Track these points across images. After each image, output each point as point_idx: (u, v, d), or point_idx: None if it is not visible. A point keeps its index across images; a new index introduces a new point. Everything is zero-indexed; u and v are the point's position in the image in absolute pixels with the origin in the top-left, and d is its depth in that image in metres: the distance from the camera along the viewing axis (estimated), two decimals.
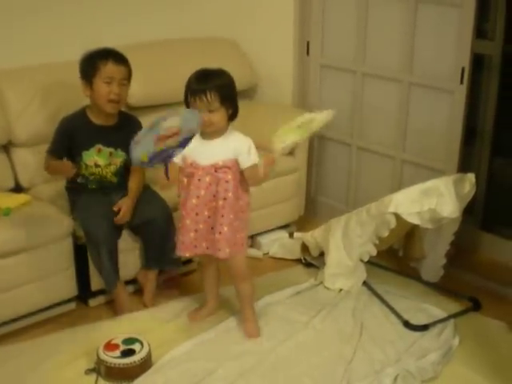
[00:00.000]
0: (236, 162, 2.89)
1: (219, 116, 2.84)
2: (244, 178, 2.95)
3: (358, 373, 2.88)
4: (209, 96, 2.79)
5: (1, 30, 3.68)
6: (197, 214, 2.94)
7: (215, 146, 2.90)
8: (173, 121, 2.66)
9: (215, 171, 2.88)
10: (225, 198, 2.89)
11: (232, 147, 2.89)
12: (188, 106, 2.88)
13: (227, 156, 2.88)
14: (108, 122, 3.34)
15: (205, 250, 3.00)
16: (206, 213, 2.93)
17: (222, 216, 2.91)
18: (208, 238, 2.97)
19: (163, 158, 2.72)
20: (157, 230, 3.32)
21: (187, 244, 3.00)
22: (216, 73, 2.89)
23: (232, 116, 2.92)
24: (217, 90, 2.80)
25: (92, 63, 3.22)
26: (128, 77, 3.29)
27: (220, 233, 2.92)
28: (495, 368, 2.94)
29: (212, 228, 2.94)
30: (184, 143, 2.70)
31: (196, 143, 2.82)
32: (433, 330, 3.20)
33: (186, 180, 2.94)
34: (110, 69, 3.21)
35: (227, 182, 2.89)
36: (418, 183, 3.28)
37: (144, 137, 2.68)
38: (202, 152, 2.89)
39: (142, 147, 2.66)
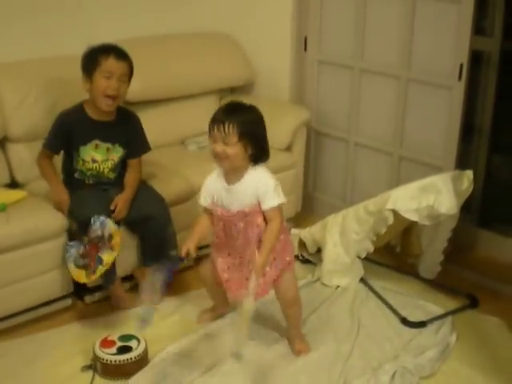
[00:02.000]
0: (260, 206, 2.78)
1: (234, 151, 2.68)
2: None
3: (356, 370, 2.88)
4: (227, 127, 2.66)
5: None
6: (240, 257, 2.89)
7: (239, 190, 2.78)
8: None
9: (245, 216, 2.78)
10: (259, 241, 2.80)
11: (252, 190, 2.76)
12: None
13: (251, 201, 2.76)
14: (106, 117, 3.33)
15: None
16: (247, 254, 2.85)
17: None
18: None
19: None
20: (154, 226, 3.30)
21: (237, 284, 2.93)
22: (245, 108, 2.79)
23: (256, 158, 2.77)
24: (238, 124, 2.67)
25: (93, 57, 3.20)
26: (128, 74, 3.27)
27: (264, 275, 2.81)
28: (492, 365, 2.94)
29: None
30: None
31: (220, 189, 2.81)
32: (430, 326, 3.20)
33: (221, 223, 2.87)
34: (110, 64, 3.19)
35: (258, 226, 2.79)
36: (416, 180, 3.28)
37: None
38: (229, 198, 2.81)
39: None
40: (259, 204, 2.77)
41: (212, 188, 2.86)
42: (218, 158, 2.73)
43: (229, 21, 4.50)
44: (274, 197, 2.76)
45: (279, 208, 2.78)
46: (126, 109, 3.48)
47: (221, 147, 2.69)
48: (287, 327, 3.11)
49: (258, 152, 2.77)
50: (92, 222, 3.07)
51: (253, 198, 2.76)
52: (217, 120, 2.71)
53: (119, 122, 3.34)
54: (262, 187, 2.76)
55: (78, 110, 3.32)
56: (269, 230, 2.76)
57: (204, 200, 2.90)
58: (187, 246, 2.83)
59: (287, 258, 2.92)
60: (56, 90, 3.60)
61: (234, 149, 2.69)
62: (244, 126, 2.68)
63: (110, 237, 3.06)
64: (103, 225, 3.06)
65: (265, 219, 2.79)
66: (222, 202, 2.83)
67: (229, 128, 2.66)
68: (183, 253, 2.83)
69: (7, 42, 3.69)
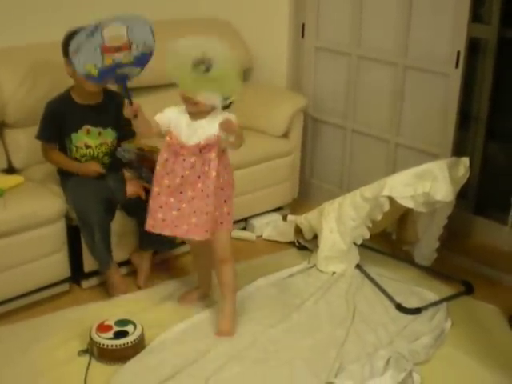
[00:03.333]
0: (218, 139, 2.81)
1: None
2: (224, 155, 2.90)
3: (351, 355, 2.89)
4: None
5: None
6: (181, 193, 2.88)
7: (201, 125, 2.83)
8: (116, 29, 2.58)
9: (200, 151, 2.82)
10: (208, 177, 2.83)
11: (215, 125, 2.80)
12: None
13: (210, 133, 2.81)
14: (93, 100, 3.32)
15: (185, 232, 2.92)
16: (189, 193, 2.87)
17: (208, 196, 2.84)
18: (190, 220, 2.89)
19: (117, 76, 2.65)
20: None
21: (168, 222, 2.92)
22: None
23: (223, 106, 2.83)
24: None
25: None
26: None
27: (207, 213, 2.85)
28: (487, 351, 2.96)
29: (194, 211, 2.87)
30: (141, 61, 2.62)
31: (182, 122, 2.83)
32: (425, 313, 3.22)
33: (165, 156, 2.88)
34: None
35: (211, 160, 2.83)
36: (412, 167, 3.28)
37: (83, 44, 2.58)
38: (188, 131, 2.84)
39: (86, 57, 2.58)
40: (216, 139, 2.80)
41: (172, 117, 2.87)
42: (187, 103, 2.79)
43: (227, 7, 4.49)
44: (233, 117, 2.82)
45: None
46: (112, 91, 3.43)
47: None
48: (221, 299, 3.09)
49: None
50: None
51: (213, 130, 2.80)
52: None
53: (107, 105, 3.32)
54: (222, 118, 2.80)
55: (65, 98, 3.32)
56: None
57: (159, 118, 2.89)
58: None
59: (225, 210, 2.94)
60: (52, 76, 3.58)
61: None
62: None
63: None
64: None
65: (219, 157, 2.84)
66: (179, 135, 2.84)
67: None
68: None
69: (3, 27, 3.67)
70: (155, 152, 3.18)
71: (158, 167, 2.90)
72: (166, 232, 2.94)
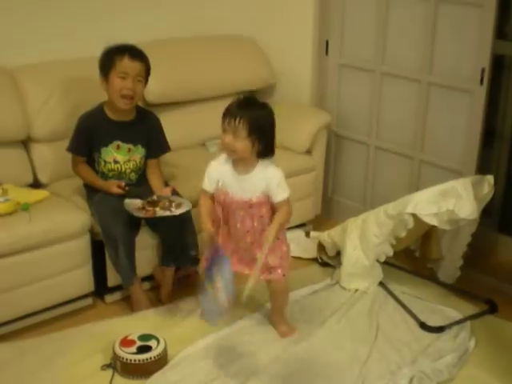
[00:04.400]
0: (268, 197, 2.89)
1: (242, 145, 2.79)
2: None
3: (374, 374, 2.88)
4: (238, 122, 2.76)
5: (21, 26, 3.70)
6: (237, 242, 2.97)
7: (247, 181, 2.88)
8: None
9: (250, 207, 2.89)
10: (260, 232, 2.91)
11: (263, 183, 2.87)
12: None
13: (259, 192, 2.87)
14: (125, 117, 3.36)
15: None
16: (248, 239, 2.95)
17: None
18: (250, 264, 2.94)
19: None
20: (175, 226, 3.31)
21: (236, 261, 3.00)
22: (257, 104, 2.89)
23: (262, 154, 2.86)
24: (248, 120, 2.76)
25: (109, 58, 3.25)
26: (144, 74, 3.30)
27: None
28: (511, 371, 2.92)
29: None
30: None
31: (230, 176, 2.88)
32: (449, 331, 3.19)
33: (221, 209, 2.95)
34: (125, 64, 3.22)
35: (262, 216, 2.91)
36: (436, 184, 3.27)
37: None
38: (235, 186, 2.89)
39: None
40: (267, 196, 2.88)
41: (218, 173, 2.93)
42: (227, 148, 2.84)
43: (251, 24, 4.52)
44: (284, 189, 2.90)
45: (288, 199, 2.91)
46: (145, 109, 3.51)
47: (230, 139, 2.79)
48: (270, 312, 3.22)
49: (265, 148, 2.86)
50: None
51: (263, 189, 2.87)
52: (229, 113, 2.81)
53: (139, 122, 3.37)
54: (273, 180, 2.87)
55: (98, 112, 3.36)
56: (280, 211, 2.89)
57: (208, 184, 2.95)
58: (206, 227, 2.89)
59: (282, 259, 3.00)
60: (79, 91, 3.63)
61: (242, 143, 2.79)
62: (254, 123, 2.78)
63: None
64: None
65: (270, 210, 2.92)
66: (228, 189, 2.90)
67: (240, 123, 2.76)
68: (206, 236, 2.90)
69: (32, 43, 3.72)
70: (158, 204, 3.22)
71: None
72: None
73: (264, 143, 2.84)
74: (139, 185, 3.39)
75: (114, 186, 3.28)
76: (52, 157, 3.61)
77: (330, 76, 4.37)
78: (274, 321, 3.21)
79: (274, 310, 3.21)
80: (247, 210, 2.89)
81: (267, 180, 2.86)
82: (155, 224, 3.35)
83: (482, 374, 2.91)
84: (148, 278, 3.51)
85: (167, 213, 3.13)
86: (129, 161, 3.37)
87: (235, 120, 2.77)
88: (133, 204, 3.16)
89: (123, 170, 3.37)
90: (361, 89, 4.23)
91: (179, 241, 3.34)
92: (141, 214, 3.12)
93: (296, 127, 4.08)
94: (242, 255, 3.00)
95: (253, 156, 2.85)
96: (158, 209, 3.14)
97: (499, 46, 3.62)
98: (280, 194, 2.88)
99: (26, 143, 3.62)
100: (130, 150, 3.37)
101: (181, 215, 3.17)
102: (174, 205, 3.17)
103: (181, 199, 3.25)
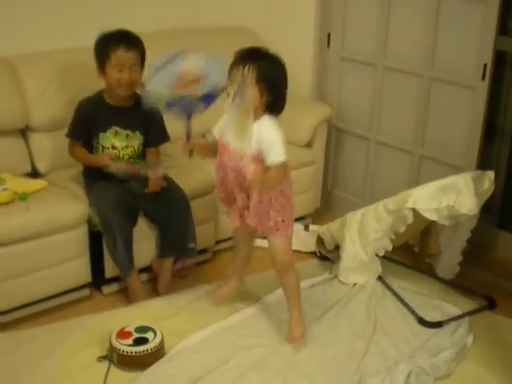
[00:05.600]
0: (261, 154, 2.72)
1: (250, 93, 2.61)
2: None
3: (371, 368, 2.87)
4: (246, 69, 2.63)
5: (20, 15, 3.68)
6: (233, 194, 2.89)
7: None
8: (196, 64, 2.53)
9: (241, 159, 2.73)
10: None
11: (259, 138, 2.69)
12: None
13: (253, 146, 2.70)
14: (124, 103, 3.35)
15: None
16: (241, 194, 2.85)
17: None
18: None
19: (181, 109, 2.60)
20: (174, 217, 3.31)
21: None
22: (267, 54, 2.75)
23: (271, 107, 2.72)
24: (257, 68, 2.63)
25: (103, 50, 3.24)
26: (139, 61, 3.27)
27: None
28: (509, 367, 2.92)
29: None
30: (206, 100, 2.54)
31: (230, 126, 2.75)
32: (447, 327, 3.19)
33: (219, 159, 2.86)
34: (120, 56, 3.21)
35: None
36: (437, 179, 3.26)
37: (160, 71, 2.55)
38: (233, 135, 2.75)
39: (159, 84, 2.54)
40: (257, 154, 2.70)
41: (224, 123, 2.81)
42: None
43: (251, 15, 4.50)
44: (277, 153, 2.69)
45: (282, 164, 2.71)
46: None
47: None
48: (288, 306, 3.05)
49: (274, 100, 2.72)
50: None
51: (256, 145, 2.69)
52: (237, 61, 2.69)
53: (138, 109, 3.34)
54: (267, 141, 2.69)
55: (97, 98, 3.36)
56: (267, 174, 2.70)
57: (216, 131, 2.88)
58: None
59: (279, 218, 2.85)
60: (77, 80, 3.61)
61: (250, 91, 2.62)
62: (263, 71, 2.65)
63: None
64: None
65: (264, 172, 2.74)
66: (227, 137, 2.78)
67: (248, 70, 2.64)
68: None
69: (31, 32, 3.70)
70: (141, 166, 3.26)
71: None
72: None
73: (273, 96, 2.70)
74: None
75: (105, 157, 3.28)
76: (50, 146, 3.59)
77: (331, 69, 4.35)
78: (289, 317, 3.06)
79: (286, 299, 3.06)
80: (238, 162, 2.76)
81: (260, 137, 2.67)
82: (154, 215, 3.34)
83: (480, 369, 2.91)
84: (146, 269, 3.50)
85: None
86: (127, 147, 3.36)
87: (243, 67, 2.64)
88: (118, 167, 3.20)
89: (121, 155, 3.36)
90: (362, 82, 4.21)
91: (178, 232, 3.34)
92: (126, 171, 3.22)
93: (296, 120, 4.07)
94: (240, 211, 2.90)
95: (259, 108, 2.69)
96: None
97: (501, 41, 3.60)
98: (271, 157, 2.68)
99: (24, 132, 3.60)
100: (128, 136, 3.35)
101: (176, 200, 3.27)
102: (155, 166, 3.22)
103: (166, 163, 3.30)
